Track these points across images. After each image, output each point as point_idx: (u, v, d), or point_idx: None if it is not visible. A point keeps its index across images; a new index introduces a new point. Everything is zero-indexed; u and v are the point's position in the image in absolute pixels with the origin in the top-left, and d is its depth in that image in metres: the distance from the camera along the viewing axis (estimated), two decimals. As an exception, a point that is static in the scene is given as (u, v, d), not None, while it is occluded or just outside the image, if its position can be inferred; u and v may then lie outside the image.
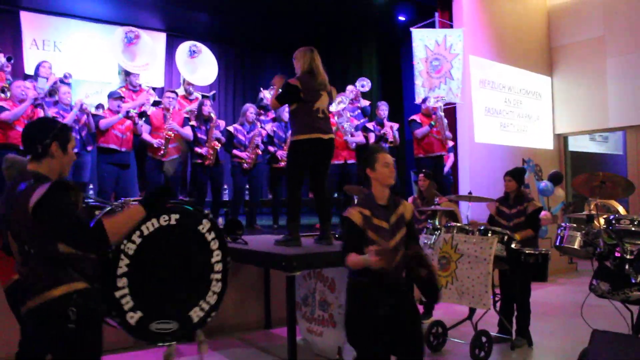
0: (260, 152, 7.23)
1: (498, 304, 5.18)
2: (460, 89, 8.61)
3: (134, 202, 3.05)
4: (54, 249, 2.31)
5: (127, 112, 6.56)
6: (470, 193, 5.63)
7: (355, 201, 5.84)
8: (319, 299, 4.89)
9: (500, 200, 5.41)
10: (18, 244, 2.36)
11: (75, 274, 2.34)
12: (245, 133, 7.16)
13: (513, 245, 4.79)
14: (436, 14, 8.99)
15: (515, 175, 5.39)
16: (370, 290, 3.03)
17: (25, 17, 8.96)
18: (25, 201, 2.25)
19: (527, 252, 4.76)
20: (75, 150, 6.10)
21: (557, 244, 4.43)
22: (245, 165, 7.09)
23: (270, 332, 5.75)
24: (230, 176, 7.38)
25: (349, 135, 7.34)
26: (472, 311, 4.92)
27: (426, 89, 8.49)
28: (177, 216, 3.15)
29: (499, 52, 9.53)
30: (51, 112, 6.19)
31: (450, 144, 8.41)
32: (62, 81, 6.98)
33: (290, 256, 3.91)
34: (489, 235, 4.82)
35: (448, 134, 7.81)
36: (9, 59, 6.46)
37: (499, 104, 9.51)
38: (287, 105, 4.72)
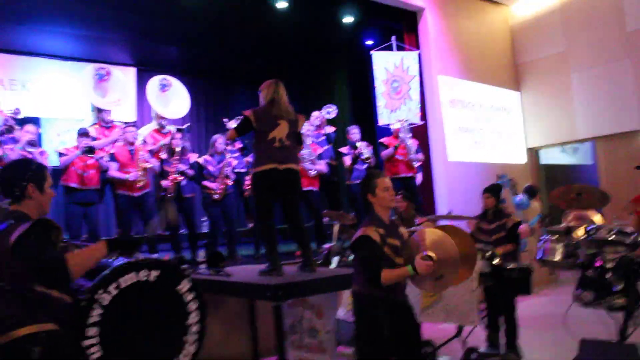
0: (230, 182, 7.19)
1: (485, 320, 5.20)
2: (419, 109, 8.77)
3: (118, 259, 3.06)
4: (30, 288, 2.33)
5: (83, 148, 6.42)
6: (450, 212, 5.68)
7: (336, 226, 5.86)
8: (307, 326, 4.85)
9: (479, 217, 5.49)
10: None
11: (45, 316, 2.35)
12: (215, 164, 7.14)
13: (495, 262, 4.83)
14: (393, 38, 9.15)
15: (493, 191, 5.51)
16: (378, 308, 3.15)
17: (-8, 57, 8.86)
18: (6, 238, 2.30)
19: (509, 267, 4.81)
20: None
21: (539, 257, 4.48)
22: (215, 196, 7.05)
23: (259, 363, 5.66)
24: (203, 208, 7.32)
25: (308, 163, 7.36)
26: (460, 329, 4.93)
27: (388, 110, 8.63)
28: (158, 272, 3.11)
29: (467, 71, 9.72)
30: (7, 149, 6.03)
31: (418, 163, 8.47)
32: (29, 119, 6.85)
33: (275, 286, 3.88)
34: (472, 252, 4.85)
35: (417, 155, 7.86)
36: None
37: (470, 122, 9.65)
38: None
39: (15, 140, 6.30)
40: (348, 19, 9.43)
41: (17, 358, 2.29)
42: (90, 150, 6.45)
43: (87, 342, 2.81)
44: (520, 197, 9.17)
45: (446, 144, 9.08)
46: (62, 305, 2.42)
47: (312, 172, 7.41)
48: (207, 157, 7.23)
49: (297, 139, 4.74)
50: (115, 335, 2.92)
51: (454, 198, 8.71)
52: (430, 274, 3.06)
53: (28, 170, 2.50)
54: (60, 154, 6.46)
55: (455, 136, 9.30)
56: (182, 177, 6.94)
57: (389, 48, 9.12)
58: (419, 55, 9.03)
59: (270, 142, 4.48)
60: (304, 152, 7.29)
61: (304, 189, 7.19)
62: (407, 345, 3.21)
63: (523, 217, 8.99)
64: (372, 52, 8.90)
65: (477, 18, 10.24)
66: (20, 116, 6.80)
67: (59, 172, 6.48)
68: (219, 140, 7.24)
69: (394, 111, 8.62)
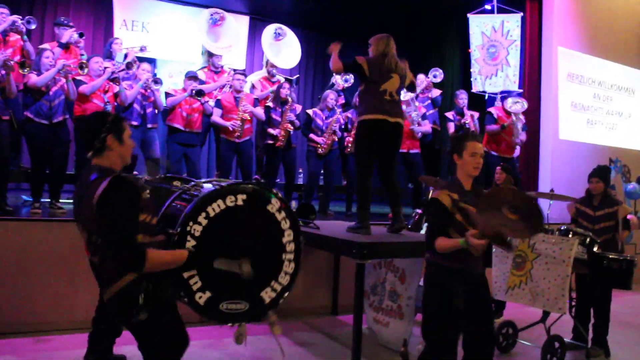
0: (336, 139, 7.21)
1: (573, 309, 4.96)
2: (517, 76, 8.29)
3: (206, 183, 3.10)
4: None
5: (192, 91, 6.60)
6: (552, 190, 5.39)
7: (431, 190, 5.75)
8: (389, 289, 4.85)
9: (581, 201, 5.13)
10: (87, 234, 2.48)
11: None
12: (324, 118, 7.17)
13: (595, 249, 4.56)
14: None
15: (602, 175, 5.09)
16: (450, 279, 3.02)
17: (117, -1, 9.31)
18: (91, 194, 2.37)
19: (611, 257, 4.51)
20: (135, 123, 6.30)
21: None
22: (320, 150, 7.10)
23: (337, 318, 5.76)
24: (305, 160, 7.41)
25: (416, 125, 7.21)
26: (545, 314, 4.72)
27: (482, 77, 8.23)
28: (244, 196, 3.04)
29: (591, 44, 9.06)
30: (125, 84, 6.33)
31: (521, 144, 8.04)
32: (146, 58, 7.14)
33: (361, 244, 3.89)
34: (570, 236, 4.61)
35: (520, 139, 7.46)
36: (80, 35, 6.65)
37: (587, 99, 9.06)
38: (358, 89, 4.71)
39: (132, 77, 6.62)
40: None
41: (124, 307, 2.42)
42: (200, 92, 6.65)
43: (186, 274, 2.80)
44: (633, 185, 8.58)
45: (559, 120, 8.58)
46: (155, 246, 2.52)
47: (419, 134, 7.29)
48: (317, 110, 7.28)
49: (410, 87, 4.77)
50: (212, 263, 2.91)
51: (559, 178, 8.27)
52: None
53: (105, 122, 2.56)
54: (168, 95, 6.70)
55: (569, 113, 8.76)
56: (292, 127, 7.03)
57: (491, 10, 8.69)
58: (522, 18, 8.50)
59: (382, 94, 4.43)
60: (412, 113, 7.16)
61: (406, 150, 7.12)
62: (476, 321, 3.05)
63: (633, 207, 8.44)
64: (469, 15, 8.49)
65: (610, -13, 9.46)
66: (139, 55, 7.16)
67: (165, 112, 6.77)
68: (331, 95, 7.26)
69: (489, 77, 8.24)
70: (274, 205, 3.17)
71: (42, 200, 5.64)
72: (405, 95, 6.95)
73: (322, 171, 7.35)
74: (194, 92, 6.60)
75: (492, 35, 8.39)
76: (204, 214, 2.91)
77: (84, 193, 2.45)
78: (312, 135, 7.14)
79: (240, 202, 3.04)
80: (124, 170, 2.66)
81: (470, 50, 8.41)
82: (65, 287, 4.69)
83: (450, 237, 2.96)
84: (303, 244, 3.27)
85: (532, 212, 2.71)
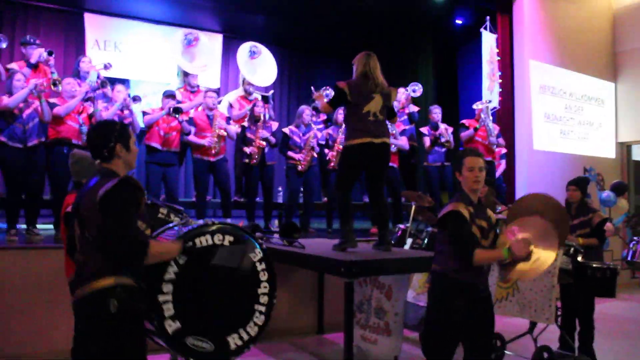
0: (315, 155, 7.19)
1: (559, 319, 4.99)
2: (499, 93, 8.52)
3: (197, 221, 3.15)
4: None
5: (170, 108, 6.51)
6: (533, 202, 5.43)
7: (414, 206, 5.76)
8: (375, 305, 4.81)
9: (560, 211, 5.20)
10: (81, 230, 2.49)
11: (123, 268, 2.44)
12: (301, 135, 7.14)
13: (579, 259, 4.60)
14: (487, 18, 8.86)
15: (580, 184, 5.23)
16: (460, 293, 3.05)
17: (89, 18, 9.16)
18: (94, 192, 2.41)
19: (594, 265, 4.56)
20: None
21: (629, 258, 4.23)
22: (299, 167, 7.08)
23: (323, 337, 5.70)
24: (285, 177, 7.38)
25: (391, 138, 7.23)
26: (532, 325, 4.76)
27: (489, 92, 8.39)
28: (232, 238, 3.14)
29: (561, 57, 9.26)
30: (100, 105, 6.23)
31: (503, 151, 8.28)
32: (118, 80, 7.03)
33: (349, 262, 3.84)
34: (554, 246, 4.63)
35: (498, 140, 7.69)
36: (49, 53, 6.50)
37: (559, 110, 9.24)
38: (340, 108, 4.69)
39: (106, 98, 6.49)
40: (439, -4, 9.17)
41: (95, 309, 2.39)
42: (177, 110, 6.56)
43: (162, 298, 2.86)
44: (607, 193, 8.72)
45: (532, 131, 8.72)
46: None
47: (393, 148, 7.29)
48: (292, 127, 7.25)
49: (390, 113, 4.67)
50: (187, 295, 2.96)
51: (536, 188, 8.35)
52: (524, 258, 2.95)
53: (114, 131, 2.58)
54: (145, 113, 6.59)
55: (542, 124, 8.91)
56: (266, 144, 6.99)
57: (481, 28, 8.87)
58: (497, 39, 8.79)
59: (364, 116, 4.39)
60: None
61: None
62: (479, 335, 3.10)
63: (608, 214, 8.57)
64: (482, 31, 8.66)
65: (578, 1, 9.67)
66: (111, 75, 7.03)
67: (142, 132, 6.66)
68: (306, 111, 7.24)
69: (491, 92, 8.44)
70: (256, 254, 3.25)
71: (18, 226, 5.49)
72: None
73: (301, 188, 7.31)
74: (171, 109, 6.52)
75: (491, 53, 8.62)
76: (190, 244, 2.94)
77: (84, 194, 2.49)
78: (290, 153, 7.11)
79: (226, 243, 3.12)
80: None
81: (483, 66, 8.60)
82: (44, 315, 4.57)
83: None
84: (274, 300, 3.33)
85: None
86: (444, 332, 3.10)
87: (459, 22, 10.26)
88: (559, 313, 4.97)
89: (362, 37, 10.23)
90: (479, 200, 3.18)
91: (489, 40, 8.63)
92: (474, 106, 7.82)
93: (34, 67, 6.36)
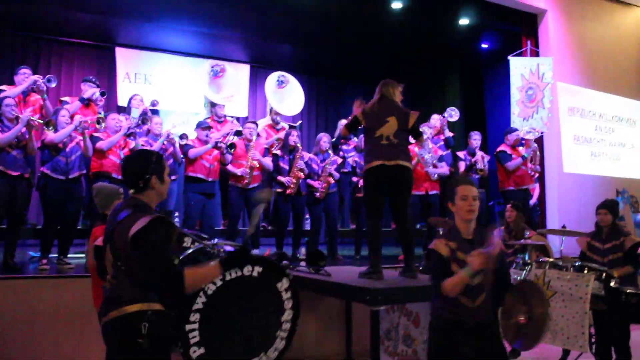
0: (332, 181, 7.19)
1: (594, 346, 4.85)
2: (549, 118, 8.33)
3: (226, 245, 3.18)
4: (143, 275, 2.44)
5: (216, 142, 6.69)
6: (564, 226, 5.35)
7: (440, 233, 5.70)
8: (403, 333, 4.76)
9: (592, 235, 5.10)
10: (114, 258, 2.50)
11: (156, 297, 2.45)
12: (319, 162, 7.18)
13: (612, 284, 4.48)
14: (528, 42, 8.82)
15: (610, 207, 5.09)
16: (453, 330, 2.92)
17: (120, 52, 9.49)
18: (127, 227, 2.40)
19: (628, 291, 4.43)
20: None
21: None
22: (317, 194, 7.09)
23: (351, 365, 5.64)
24: (306, 206, 7.39)
25: (430, 167, 7.21)
26: (565, 353, 4.65)
27: (520, 119, 8.28)
28: (260, 269, 3.23)
29: (589, 78, 9.15)
30: (141, 141, 6.44)
31: (536, 175, 8.19)
32: (152, 111, 7.26)
33: (374, 290, 3.82)
34: (585, 272, 4.54)
35: (537, 167, 7.65)
36: (102, 94, 6.79)
37: (589, 132, 9.10)
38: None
39: (147, 133, 6.70)
40: (464, 21, 9.19)
41: (127, 332, 2.40)
42: (232, 146, 6.73)
43: (188, 327, 2.97)
44: (642, 216, 8.52)
45: (562, 154, 8.60)
46: None
47: (434, 176, 7.29)
48: (311, 155, 7.30)
49: (414, 134, 4.69)
50: (214, 324, 3.05)
51: (567, 212, 8.24)
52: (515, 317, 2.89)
53: (150, 163, 2.57)
54: (188, 146, 6.66)
55: (572, 147, 8.79)
56: (303, 175, 7.02)
57: (520, 54, 8.82)
58: (537, 66, 8.63)
59: (378, 139, 4.44)
60: (426, 155, 7.17)
61: (424, 192, 7.19)
62: None
63: (644, 237, 8.36)
64: (510, 57, 8.59)
65: (605, 21, 9.60)
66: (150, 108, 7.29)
67: (185, 163, 6.75)
68: (324, 138, 7.28)
69: (526, 119, 8.31)
70: (283, 284, 3.35)
71: (50, 256, 5.62)
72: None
73: (323, 214, 7.32)
74: (224, 146, 6.69)
75: (530, 78, 8.49)
76: (220, 277, 2.97)
77: (117, 226, 2.49)
78: (309, 181, 7.13)
79: (255, 274, 3.22)
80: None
81: (511, 92, 8.51)
82: (75, 343, 4.63)
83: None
84: (296, 328, 3.43)
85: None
86: None
87: (484, 46, 10.25)
88: (594, 340, 4.84)
89: (389, 62, 10.32)
90: (475, 232, 3.02)
91: (518, 67, 8.54)
92: (520, 134, 7.69)
93: (86, 103, 6.62)
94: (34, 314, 4.57)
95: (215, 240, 3.42)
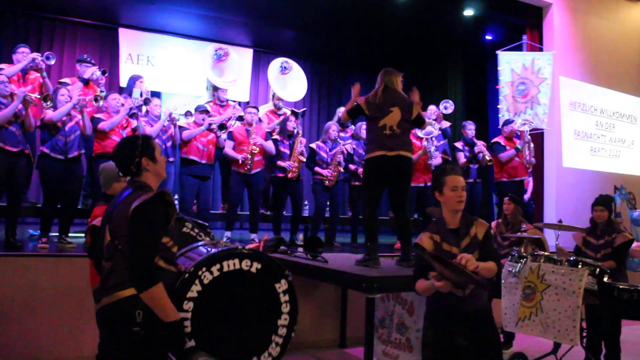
0: (342, 170, 7.25)
1: (585, 340, 4.91)
2: (547, 115, 8.33)
3: (226, 243, 3.15)
4: None
5: (210, 125, 6.70)
6: (560, 221, 5.38)
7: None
8: (397, 321, 4.81)
9: (587, 231, 5.15)
10: (111, 237, 2.49)
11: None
12: (328, 150, 7.21)
13: (605, 279, 4.53)
14: (524, 37, 8.78)
15: (606, 204, 5.13)
16: (446, 320, 2.96)
17: (123, 33, 9.45)
18: (128, 204, 2.43)
19: (621, 287, 4.48)
20: None
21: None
22: (327, 182, 7.14)
23: (345, 351, 5.70)
24: (312, 192, 7.45)
25: (433, 159, 7.27)
26: (556, 346, 4.69)
27: (510, 114, 8.29)
28: (259, 266, 3.14)
29: (592, 73, 9.15)
30: (142, 121, 6.45)
31: (530, 167, 8.20)
32: (151, 92, 7.28)
33: (371, 278, 3.87)
34: (579, 266, 4.58)
35: (532, 159, 7.65)
36: (103, 72, 6.79)
37: (590, 127, 9.12)
38: (364, 122, 4.74)
39: (146, 114, 6.73)
40: (468, 12, 9.17)
41: (121, 320, 2.38)
42: (223, 127, 6.81)
43: (181, 315, 2.85)
44: (639, 212, 8.56)
45: (562, 148, 8.62)
46: (166, 274, 2.51)
47: (432, 167, 7.36)
48: (320, 143, 7.33)
49: (417, 122, 4.71)
50: (207, 315, 2.96)
51: (564, 206, 8.28)
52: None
53: (136, 146, 2.61)
54: (181, 128, 6.71)
55: (572, 141, 8.81)
56: (304, 159, 7.07)
57: (518, 48, 8.80)
58: (553, 53, 8.59)
59: (381, 129, 4.47)
60: (432, 148, 7.24)
61: (423, 184, 7.22)
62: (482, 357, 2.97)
63: (639, 234, 8.41)
64: (498, 52, 8.55)
65: (610, 16, 9.59)
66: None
67: (180, 145, 6.79)
68: (333, 127, 7.31)
69: (517, 115, 8.29)
70: (282, 285, 3.23)
71: (50, 234, 5.66)
72: (421, 132, 7.05)
73: (327, 203, 7.36)
74: (215, 126, 6.71)
75: (522, 73, 8.44)
76: (218, 266, 2.96)
77: (118, 204, 2.51)
78: (317, 169, 7.17)
79: (253, 270, 3.11)
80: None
81: (498, 87, 8.46)
82: (73, 322, 4.68)
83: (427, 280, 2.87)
84: (292, 334, 3.28)
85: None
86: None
87: (488, 37, 10.23)
88: (585, 334, 4.90)
89: (393, 51, 10.30)
90: (462, 220, 3.02)
91: (509, 61, 8.50)
92: (514, 126, 7.71)
93: (85, 83, 6.64)
94: (33, 292, 4.62)
95: (225, 238, 3.32)
